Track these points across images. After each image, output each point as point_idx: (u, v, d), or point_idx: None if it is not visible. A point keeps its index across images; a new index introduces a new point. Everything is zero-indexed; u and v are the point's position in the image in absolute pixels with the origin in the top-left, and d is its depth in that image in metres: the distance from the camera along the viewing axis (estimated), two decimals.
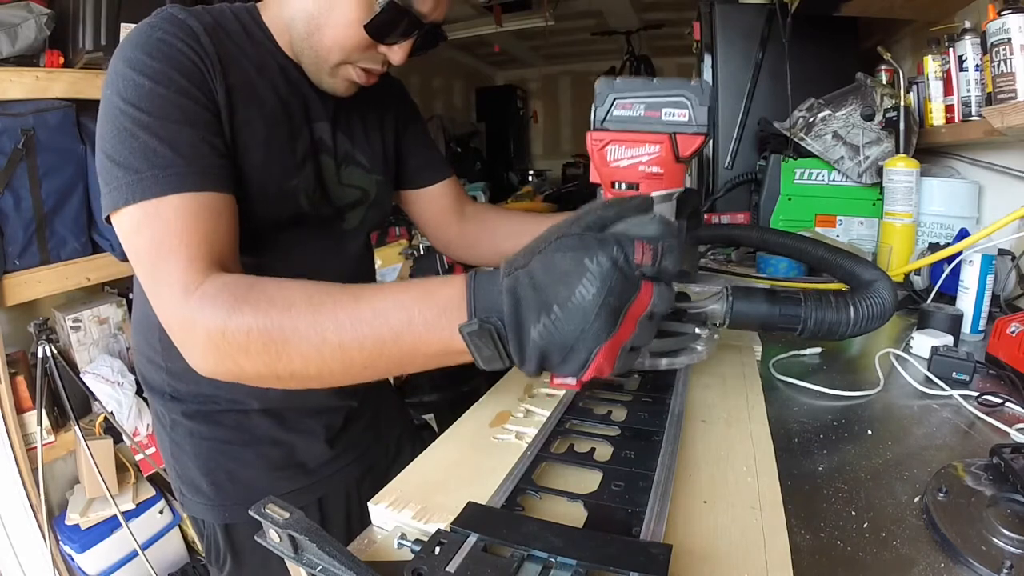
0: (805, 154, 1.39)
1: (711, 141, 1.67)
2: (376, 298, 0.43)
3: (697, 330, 0.65)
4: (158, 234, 0.51)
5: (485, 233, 0.90)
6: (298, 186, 0.67)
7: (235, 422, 0.73)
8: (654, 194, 0.54)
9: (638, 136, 0.53)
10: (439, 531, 0.38)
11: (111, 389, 1.58)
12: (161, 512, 1.66)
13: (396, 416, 0.97)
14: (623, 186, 0.55)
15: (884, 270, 0.75)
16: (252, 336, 0.44)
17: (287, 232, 0.68)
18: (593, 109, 0.55)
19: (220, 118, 0.58)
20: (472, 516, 0.40)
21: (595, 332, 0.37)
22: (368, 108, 0.76)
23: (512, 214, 0.93)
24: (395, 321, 0.42)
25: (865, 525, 0.47)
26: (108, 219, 0.54)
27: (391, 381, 0.97)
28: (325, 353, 0.43)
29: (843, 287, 0.82)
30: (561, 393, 0.63)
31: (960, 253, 0.97)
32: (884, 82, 1.41)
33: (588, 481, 0.46)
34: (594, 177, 0.57)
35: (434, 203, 0.90)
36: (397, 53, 0.64)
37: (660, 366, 0.60)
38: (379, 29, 0.60)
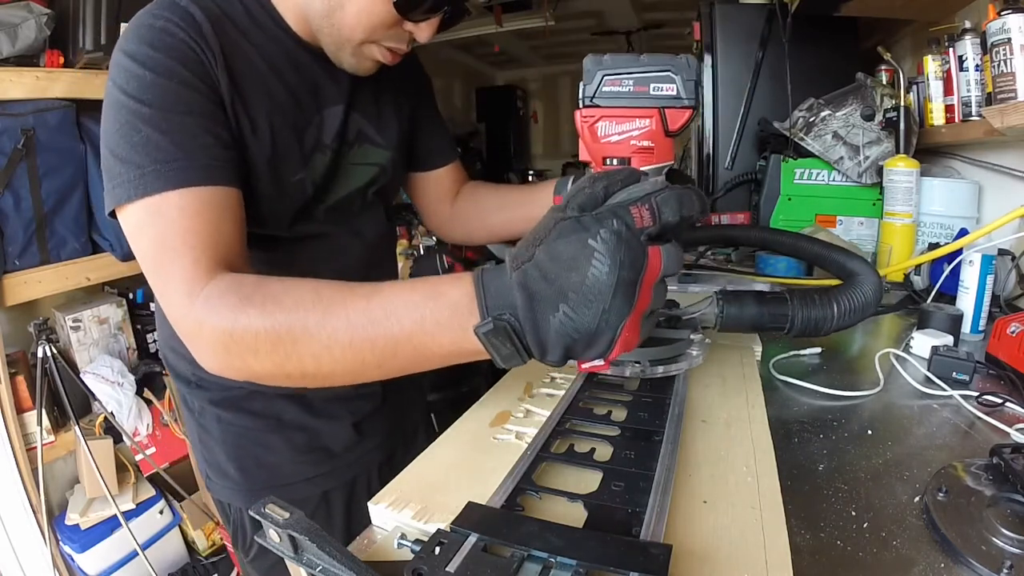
0: (805, 154, 1.39)
1: (711, 141, 1.67)
2: (386, 297, 0.43)
3: (692, 336, 0.66)
4: (161, 233, 0.50)
5: (475, 209, 0.88)
6: (304, 179, 0.66)
7: (261, 408, 0.74)
8: (646, 168, 0.55)
9: (628, 111, 0.54)
10: (439, 531, 0.38)
11: (111, 389, 1.58)
12: (161, 512, 1.66)
13: (417, 401, 0.98)
14: (615, 161, 0.56)
15: (873, 266, 0.76)
16: (260, 337, 0.44)
17: (300, 225, 0.67)
18: (581, 87, 0.55)
19: (224, 110, 0.57)
20: (472, 516, 0.39)
21: (617, 309, 0.37)
22: (385, 84, 0.74)
23: (497, 188, 0.90)
24: (407, 321, 0.41)
25: (865, 525, 0.47)
26: (112, 214, 0.53)
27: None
28: (336, 353, 0.43)
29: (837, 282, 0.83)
30: (561, 393, 0.63)
31: (960, 252, 0.97)
32: (884, 82, 1.41)
33: (588, 481, 0.46)
34: (583, 155, 0.58)
35: (438, 186, 0.89)
36: (424, 30, 0.61)
37: (658, 373, 0.61)
38: (407, 4, 0.57)
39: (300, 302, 0.44)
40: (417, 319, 0.41)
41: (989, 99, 1.05)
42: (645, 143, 0.54)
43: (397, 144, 0.78)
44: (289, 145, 0.64)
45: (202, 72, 0.55)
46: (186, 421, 0.81)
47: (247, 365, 0.46)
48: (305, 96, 0.65)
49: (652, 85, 0.53)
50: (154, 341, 1.85)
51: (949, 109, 1.23)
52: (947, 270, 0.99)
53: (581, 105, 0.55)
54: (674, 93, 0.52)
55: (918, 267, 1.13)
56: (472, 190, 0.90)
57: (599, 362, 0.40)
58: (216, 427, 0.75)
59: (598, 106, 0.54)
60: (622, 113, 0.54)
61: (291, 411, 0.75)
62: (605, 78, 0.54)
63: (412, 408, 0.94)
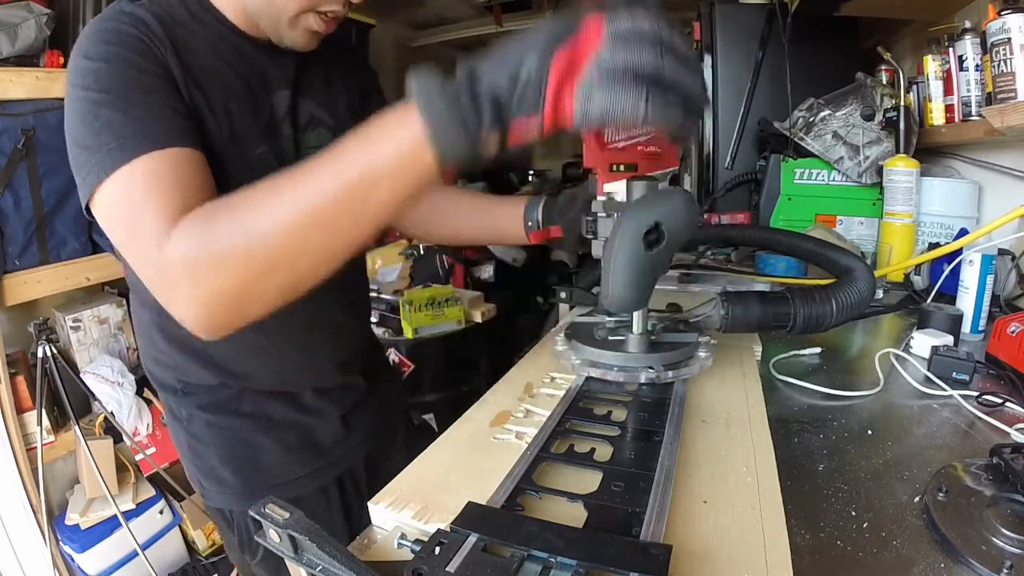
0: (805, 154, 1.39)
1: (711, 141, 1.67)
2: (332, 151, 0.44)
3: (699, 338, 0.67)
4: (132, 197, 0.51)
5: (437, 209, 0.89)
6: (267, 154, 0.67)
7: (251, 409, 0.74)
8: (655, 174, 0.54)
9: None
10: (439, 531, 0.38)
11: (111, 389, 1.58)
12: (161, 512, 1.66)
13: (396, 401, 0.99)
14: (622, 167, 0.55)
15: (865, 261, 0.77)
16: (225, 249, 0.45)
17: None
18: None
19: (180, 92, 0.58)
20: (472, 516, 0.40)
21: (544, 38, 0.37)
22: (330, 70, 0.76)
23: (465, 193, 0.91)
24: (351, 147, 0.43)
25: (865, 525, 0.47)
26: (88, 210, 0.54)
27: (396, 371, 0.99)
28: (301, 224, 0.43)
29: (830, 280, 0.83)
30: (561, 393, 0.63)
31: (960, 252, 0.97)
32: (884, 82, 1.41)
33: (588, 481, 0.46)
34: (588, 162, 0.57)
35: None
36: None
37: (670, 378, 0.61)
38: None
39: (253, 194, 0.46)
40: (361, 136, 0.42)
41: (989, 99, 1.05)
42: (652, 148, 0.54)
43: (353, 128, 0.78)
44: (247, 123, 0.65)
45: (154, 59, 0.57)
46: (173, 433, 0.80)
47: (220, 288, 0.46)
48: (254, 81, 0.67)
49: None
50: None
51: (949, 109, 1.23)
52: (947, 270, 0.99)
53: None
54: None
55: (918, 267, 1.13)
56: (436, 191, 0.90)
57: (535, 121, 0.38)
58: (207, 433, 0.75)
59: None
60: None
61: (281, 410, 0.76)
62: None
63: (393, 404, 0.95)
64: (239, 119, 0.64)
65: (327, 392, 0.79)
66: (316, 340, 0.76)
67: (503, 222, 0.82)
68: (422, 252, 2.36)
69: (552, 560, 0.35)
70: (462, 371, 2.12)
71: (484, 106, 0.38)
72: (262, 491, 0.74)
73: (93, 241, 1.61)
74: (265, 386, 0.75)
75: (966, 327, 0.91)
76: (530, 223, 0.80)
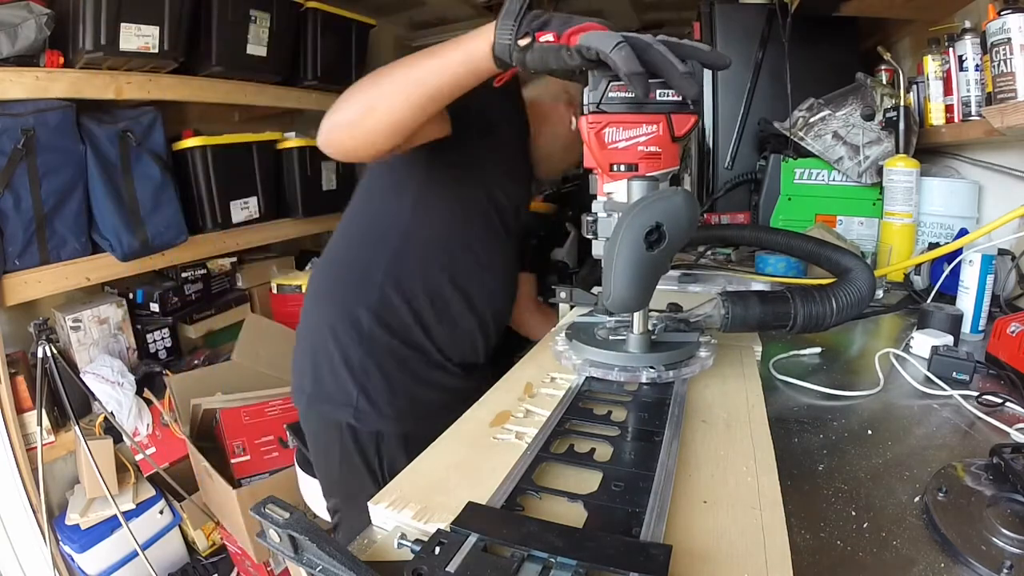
0: (805, 154, 1.39)
1: (711, 141, 1.67)
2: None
3: (700, 338, 0.67)
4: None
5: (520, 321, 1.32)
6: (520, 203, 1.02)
7: (417, 363, 0.97)
8: (655, 174, 0.55)
9: (635, 117, 0.54)
10: (439, 531, 0.38)
11: (111, 389, 1.58)
12: (161, 512, 1.66)
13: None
14: (622, 167, 0.55)
15: (864, 260, 0.77)
16: (353, 94, 0.72)
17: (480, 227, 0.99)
18: (585, 93, 0.55)
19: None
20: (472, 516, 0.40)
21: (577, 19, 0.56)
22: None
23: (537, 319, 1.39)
24: (450, 42, 0.64)
25: (865, 525, 0.47)
26: None
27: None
28: (406, 79, 0.68)
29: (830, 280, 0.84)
30: (561, 393, 0.63)
31: (960, 252, 0.97)
32: (884, 82, 1.41)
33: (588, 481, 0.46)
34: (588, 162, 0.57)
35: None
36: None
37: (670, 378, 0.61)
38: None
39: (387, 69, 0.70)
40: (456, 39, 0.64)
41: (989, 99, 1.05)
42: (652, 148, 0.54)
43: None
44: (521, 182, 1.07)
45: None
46: (352, 356, 0.95)
47: (337, 113, 0.73)
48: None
49: (658, 91, 0.53)
50: (154, 341, 1.85)
51: (949, 109, 1.23)
52: (947, 270, 0.99)
53: (586, 111, 0.55)
54: (680, 99, 0.52)
55: (918, 267, 1.13)
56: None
57: (552, 38, 0.55)
58: (378, 372, 0.94)
59: (604, 112, 0.54)
60: (628, 119, 0.54)
61: (435, 374, 0.98)
62: (611, 84, 0.54)
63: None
64: (506, 172, 0.98)
65: (472, 368, 1.02)
66: (490, 326, 1.03)
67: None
68: None
69: (552, 560, 0.35)
70: None
71: (534, 23, 0.57)
72: (415, 420, 0.96)
73: (93, 241, 1.62)
74: (446, 354, 0.98)
75: (966, 327, 0.91)
76: None
